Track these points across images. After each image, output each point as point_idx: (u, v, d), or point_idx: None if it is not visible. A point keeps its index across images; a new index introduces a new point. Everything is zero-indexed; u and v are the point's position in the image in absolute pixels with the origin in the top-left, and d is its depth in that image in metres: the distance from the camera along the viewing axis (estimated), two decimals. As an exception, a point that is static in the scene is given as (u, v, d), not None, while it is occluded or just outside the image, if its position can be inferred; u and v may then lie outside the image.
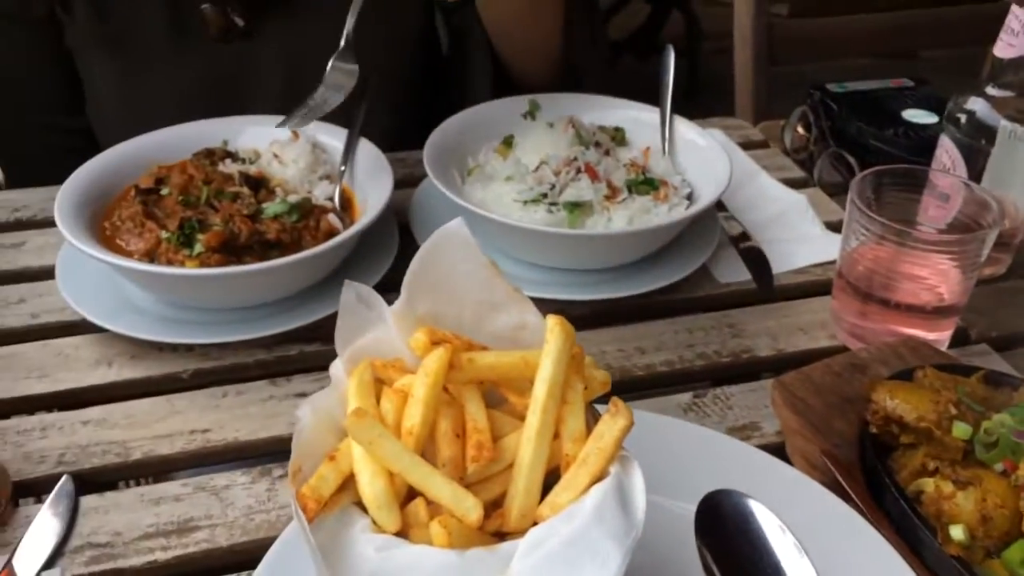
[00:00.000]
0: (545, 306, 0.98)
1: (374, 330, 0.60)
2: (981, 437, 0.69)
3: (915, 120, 1.22)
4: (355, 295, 0.60)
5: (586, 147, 1.05)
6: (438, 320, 0.61)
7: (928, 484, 0.69)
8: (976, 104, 1.01)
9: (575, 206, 0.95)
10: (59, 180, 0.97)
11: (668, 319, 0.98)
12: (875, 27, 1.90)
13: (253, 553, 0.70)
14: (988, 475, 0.68)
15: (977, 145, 1.01)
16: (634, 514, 0.51)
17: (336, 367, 0.58)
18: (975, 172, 1.02)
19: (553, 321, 0.56)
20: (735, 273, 1.04)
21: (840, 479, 0.73)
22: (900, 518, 0.69)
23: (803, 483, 0.74)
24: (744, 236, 1.08)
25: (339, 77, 0.98)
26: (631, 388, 0.90)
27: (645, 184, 0.99)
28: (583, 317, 0.98)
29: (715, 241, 1.04)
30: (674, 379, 0.91)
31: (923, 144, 1.11)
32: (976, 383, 0.77)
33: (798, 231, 1.11)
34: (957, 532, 0.65)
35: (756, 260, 1.05)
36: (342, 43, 1.00)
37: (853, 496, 0.72)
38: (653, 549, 0.71)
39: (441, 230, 0.60)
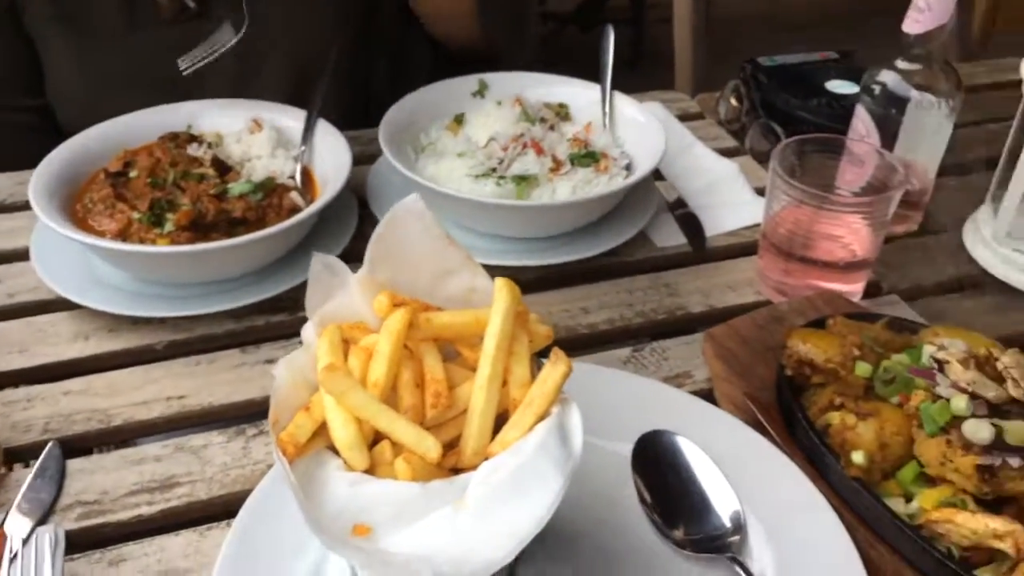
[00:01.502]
0: (496, 272, 1.06)
1: (340, 296, 0.67)
2: (880, 374, 0.79)
3: (837, 91, 1.31)
4: (322, 265, 0.67)
5: (532, 123, 1.12)
6: (397, 286, 0.68)
7: (834, 417, 0.79)
8: (888, 76, 1.10)
9: (522, 179, 1.03)
10: (20, 158, 1.02)
11: (610, 281, 1.06)
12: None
13: (231, 504, 0.77)
14: (886, 407, 0.77)
15: (889, 114, 1.10)
16: (573, 445, 0.59)
17: (307, 330, 0.65)
18: (888, 139, 1.11)
19: (500, 283, 0.64)
20: (671, 237, 1.12)
21: (760, 417, 0.82)
22: (810, 447, 0.78)
23: (728, 422, 0.83)
24: (680, 203, 1.17)
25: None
26: (576, 345, 0.98)
27: (587, 157, 1.07)
28: (532, 281, 1.05)
29: (653, 208, 1.12)
30: (615, 336, 0.99)
31: (844, 113, 1.19)
32: (880, 329, 0.87)
33: (729, 197, 1.20)
34: (858, 457, 0.74)
35: (690, 225, 1.13)
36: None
37: (771, 431, 0.81)
38: (595, 486, 0.80)
39: (399, 205, 0.67)
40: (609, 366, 0.93)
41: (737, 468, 0.78)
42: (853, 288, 1.02)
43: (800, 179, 1.01)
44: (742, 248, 1.12)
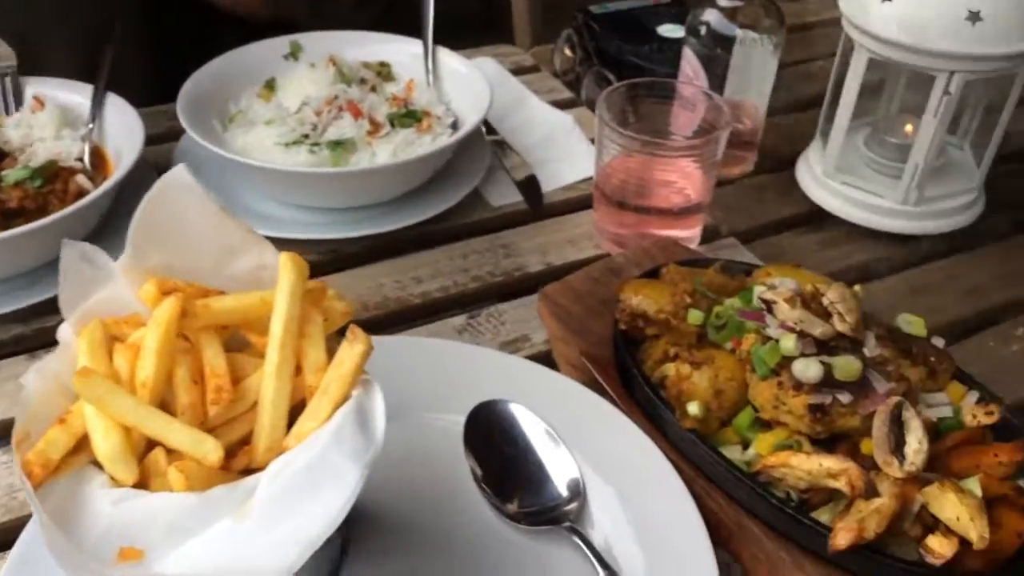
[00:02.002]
0: (321, 246, 0.99)
1: (104, 288, 0.59)
2: (712, 320, 0.76)
3: (667, 35, 1.28)
4: (78, 254, 0.58)
5: (349, 84, 1.05)
6: (173, 270, 0.60)
7: (670, 369, 0.76)
8: (711, 16, 1.08)
9: (337, 144, 0.95)
10: None
11: (444, 246, 1.00)
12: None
13: (18, 531, 0.68)
14: (720, 354, 0.75)
15: (715, 54, 1.08)
16: (373, 433, 0.53)
17: (64, 330, 0.57)
18: (717, 80, 1.09)
19: (284, 258, 0.57)
20: (507, 195, 1.08)
21: (597, 376, 0.78)
22: (646, 403, 0.75)
23: (564, 384, 0.79)
24: (515, 159, 1.12)
25: None
26: (408, 317, 0.92)
27: (407, 117, 1.01)
28: (360, 253, 0.99)
29: (485, 166, 1.07)
30: (450, 304, 0.94)
31: (676, 57, 1.17)
32: (713, 274, 0.84)
33: (565, 150, 1.15)
34: (694, 408, 0.72)
35: (526, 182, 1.09)
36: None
37: (608, 390, 0.77)
38: (429, 466, 0.75)
39: (163, 179, 0.59)
40: (443, 336, 0.88)
41: (575, 432, 0.74)
42: (690, 234, 1.00)
43: (634, 127, 0.97)
44: (580, 202, 1.08)
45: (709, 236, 1.03)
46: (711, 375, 0.73)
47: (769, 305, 0.74)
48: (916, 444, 0.65)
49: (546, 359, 0.86)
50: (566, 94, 1.30)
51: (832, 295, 0.71)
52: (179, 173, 0.59)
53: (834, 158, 1.04)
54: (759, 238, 1.05)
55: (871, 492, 0.64)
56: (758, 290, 0.77)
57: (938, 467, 0.68)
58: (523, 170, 1.10)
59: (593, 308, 0.86)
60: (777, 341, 0.71)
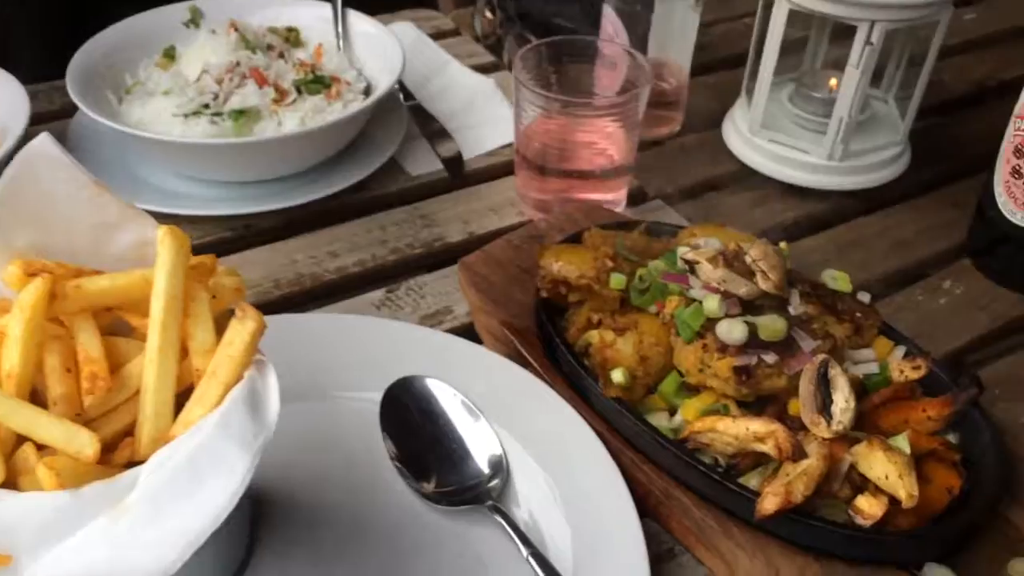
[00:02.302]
0: (232, 222, 0.94)
1: (-34, 272, 0.53)
2: (636, 284, 0.73)
3: (590, -6, 1.24)
4: (-64, 237, 0.53)
5: (253, 51, 0.99)
6: (46, 251, 0.55)
7: (593, 336, 0.73)
8: (631, -29, 1.04)
9: (240, 114, 0.90)
10: None
11: (361, 219, 0.96)
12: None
13: None
14: (644, 318, 0.72)
15: (634, 11, 1.04)
16: (265, 417, 0.49)
17: (-81, 319, 0.52)
18: (638, 38, 1.06)
19: (163, 232, 0.52)
20: (426, 164, 1.03)
21: (519, 347, 0.75)
22: (570, 372, 0.72)
23: (486, 357, 0.75)
24: (434, 126, 1.07)
25: None
26: (324, 294, 0.88)
27: (315, 83, 0.95)
28: (272, 228, 0.94)
29: (402, 134, 1.03)
30: (368, 278, 0.90)
31: (599, 16, 1.13)
32: (638, 236, 0.81)
33: (487, 115, 1.11)
34: (618, 376, 0.69)
35: (446, 149, 1.04)
36: None
37: (531, 361, 0.74)
38: (343, 447, 0.71)
39: (25, 151, 0.54)
40: (361, 312, 0.84)
41: (498, 406, 0.71)
42: (615, 196, 0.97)
43: (556, 89, 0.94)
44: (503, 168, 1.04)
45: (636, 199, 1.01)
46: (635, 341, 0.71)
47: (692, 266, 0.71)
48: (843, 403, 0.63)
49: (468, 332, 0.82)
50: (488, 58, 1.26)
51: (755, 253, 0.69)
52: (43, 144, 0.54)
53: (759, 115, 1.02)
54: (687, 199, 1.02)
55: (799, 454, 0.62)
56: (681, 251, 0.75)
57: (866, 425, 0.66)
58: (443, 137, 1.06)
59: (515, 276, 0.83)
60: (701, 303, 0.68)
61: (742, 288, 0.68)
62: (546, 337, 0.75)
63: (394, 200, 0.99)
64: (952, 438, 0.68)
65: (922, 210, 1.02)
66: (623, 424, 0.68)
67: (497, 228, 0.96)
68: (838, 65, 0.99)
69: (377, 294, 0.87)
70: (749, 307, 0.68)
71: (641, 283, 0.73)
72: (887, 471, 0.61)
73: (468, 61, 1.23)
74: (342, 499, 0.67)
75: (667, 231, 0.83)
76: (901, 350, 0.71)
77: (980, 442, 0.66)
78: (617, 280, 0.73)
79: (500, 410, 0.71)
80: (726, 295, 0.68)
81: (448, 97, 1.14)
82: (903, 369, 0.68)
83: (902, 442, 0.63)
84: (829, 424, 0.63)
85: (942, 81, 1.25)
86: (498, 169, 1.04)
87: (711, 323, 0.67)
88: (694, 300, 0.69)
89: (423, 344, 0.76)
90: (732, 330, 0.66)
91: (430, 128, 1.07)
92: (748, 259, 0.69)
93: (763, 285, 0.68)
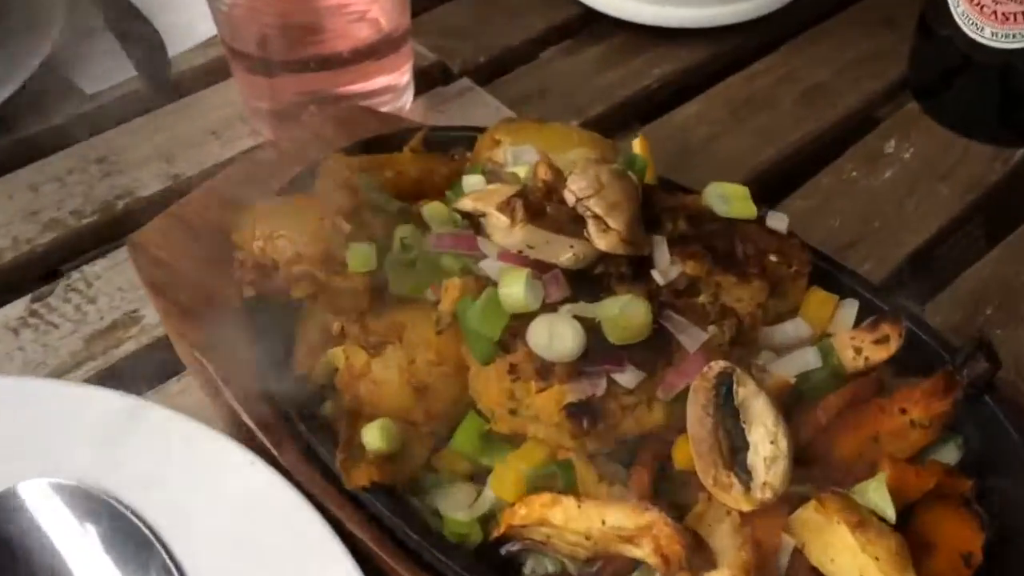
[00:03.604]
0: None
1: None
2: (394, 257, 0.42)
3: None
4: None
5: None
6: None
7: (337, 358, 0.42)
8: None
9: None
10: None
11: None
12: None
13: None
14: (416, 317, 0.41)
15: None
16: None
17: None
18: None
19: None
20: (108, 74, 0.68)
21: (227, 399, 0.44)
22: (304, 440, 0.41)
23: (171, 427, 0.44)
24: (124, 10, 0.71)
25: None
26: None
27: None
28: None
29: (56, 27, 0.66)
30: (11, 274, 0.56)
31: None
32: (409, 159, 0.50)
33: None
34: (374, 437, 0.38)
35: (141, 44, 0.69)
36: None
37: (248, 422, 0.43)
38: None
39: None
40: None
41: (193, 534, 0.41)
42: (391, 82, 0.63)
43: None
44: (227, 68, 0.69)
45: (431, 80, 0.68)
46: (401, 361, 0.40)
47: (475, 220, 0.40)
48: (767, 446, 0.35)
49: (167, 354, 0.50)
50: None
51: (578, 184, 0.38)
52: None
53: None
54: (508, 71, 0.71)
55: (701, 560, 0.33)
56: (469, 183, 0.43)
57: (811, 460, 0.37)
58: (135, 23, 0.69)
59: (223, 256, 0.50)
60: (496, 287, 0.37)
61: (564, 254, 0.37)
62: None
63: (53, 140, 0.63)
64: (950, 451, 0.40)
65: (839, 38, 0.73)
66: (394, 529, 0.38)
67: (220, 161, 0.62)
68: None
69: (15, 309, 0.53)
70: (582, 284, 0.37)
71: (404, 253, 0.42)
72: (862, 572, 0.33)
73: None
74: None
75: (459, 138, 0.51)
76: (851, 307, 0.42)
77: (1000, 450, 0.39)
78: (359, 256, 0.42)
79: (182, 533, 0.40)
80: (538, 268, 0.37)
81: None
82: (860, 347, 0.39)
83: (878, 496, 0.35)
84: (748, 488, 0.34)
85: None
86: (219, 68, 0.69)
87: (519, 324, 0.37)
88: (489, 281, 0.38)
89: (55, 415, 0.44)
90: (555, 335, 0.36)
91: (116, 9, 0.70)
92: (570, 196, 0.38)
93: (600, 242, 0.37)
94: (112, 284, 0.55)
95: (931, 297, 0.54)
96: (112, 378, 0.51)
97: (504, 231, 0.38)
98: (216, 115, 0.66)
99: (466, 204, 0.39)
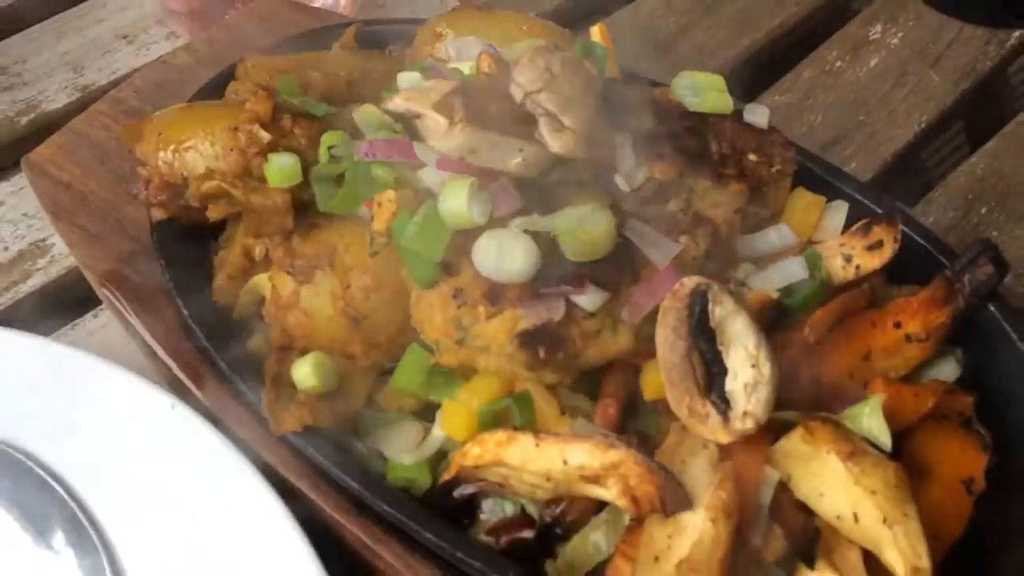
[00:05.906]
0: None
1: None
2: (322, 170, 0.36)
3: None
4: None
5: None
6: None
7: (262, 284, 0.37)
8: None
9: None
10: None
11: None
12: None
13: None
14: (347, 238, 0.36)
15: None
16: None
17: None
18: None
19: None
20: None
21: (140, 331, 0.39)
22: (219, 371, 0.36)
23: (86, 375, 0.39)
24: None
25: None
26: None
27: None
28: None
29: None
30: None
31: None
32: (339, 57, 0.44)
33: None
34: (305, 374, 0.34)
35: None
36: None
37: (164, 357, 0.38)
38: None
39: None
40: None
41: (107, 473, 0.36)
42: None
43: None
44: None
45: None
46: (334, 287, 0.35)
47: (413, 124, 0.34)
48: (748, 370, 0.30)
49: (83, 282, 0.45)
50: None
51: (525, 75, 0.32)
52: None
53: None
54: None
55: (675, 502, 0.29)
56: (404, 80, 0.38)
57: (798, 381, 0.33)
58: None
59: (133, 176, 0.44)
60: (436, 201, 0.32)
61: (513, 157, 0.32)
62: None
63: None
64: (949, 367, 0.36)
65: None
66: (328, 473, 0.34)
67: (131, 70, 0.56)
68: None
69: (-93, 243, 0.48)
70: (534, 194, 0.32)
71: (333, 165, 0.36)
72: (855, 507, 0.29)
73: None
74: None
75: (396, 33, 0.45)
76: (840, 210, 0.37)
77: (1005, 363, 0.35)
78: (281, 169, 0.36)
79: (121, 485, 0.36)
80: (483, 177, 0.32)
81: None
82: (850, 254, 0.35)
83: (873, 421, 0.31)
84: (726, 418, 0.30)
85: None
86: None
87: (464, 241, 0.32)
88: (429, 193, 0.33)
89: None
90: (504, 253, 0.31)
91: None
92: (518, 92, 0.32)
93: (554, 144, 0.32)
94: (17, 211, 0.49)
95: (921, 197, 0.49)
96: (20, 314, 0.46)
97: (443, 134, 0.32)
98: (128, 16, 0.59)
99: (397, 104, 0.34)
